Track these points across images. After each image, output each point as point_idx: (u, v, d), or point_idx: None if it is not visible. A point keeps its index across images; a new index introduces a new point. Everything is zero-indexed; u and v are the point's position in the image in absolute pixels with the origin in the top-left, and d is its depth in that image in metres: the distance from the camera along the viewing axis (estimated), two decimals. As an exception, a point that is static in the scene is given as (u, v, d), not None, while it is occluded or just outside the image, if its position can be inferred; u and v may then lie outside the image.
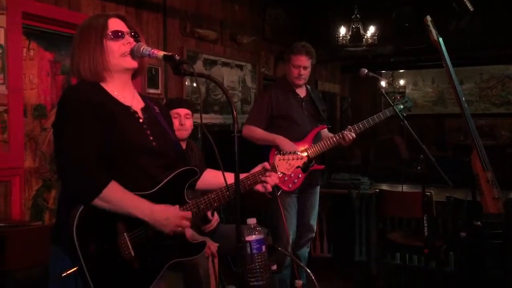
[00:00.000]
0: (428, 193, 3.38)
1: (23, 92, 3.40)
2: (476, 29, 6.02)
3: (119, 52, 1.74)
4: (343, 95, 9.42)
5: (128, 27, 1.79)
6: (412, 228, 4.37)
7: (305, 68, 3.43)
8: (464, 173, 3.19)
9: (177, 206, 1.74)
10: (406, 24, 6.25)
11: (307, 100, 3.52)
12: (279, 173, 1.95)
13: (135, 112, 1.80)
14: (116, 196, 1.61)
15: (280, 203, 3.06)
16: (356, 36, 6.04)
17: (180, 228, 1.70)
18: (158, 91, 4.50)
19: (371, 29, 6.02)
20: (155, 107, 1.92)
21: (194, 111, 3.12)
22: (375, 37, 6.00)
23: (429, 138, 8.52)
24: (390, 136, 7.10)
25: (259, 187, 1.94)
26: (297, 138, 3.31)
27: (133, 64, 1.77)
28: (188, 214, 1.74)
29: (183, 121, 2.98)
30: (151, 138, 1.79)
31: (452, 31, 5.71)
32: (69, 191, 1.65)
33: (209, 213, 2.97)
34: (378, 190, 4.11)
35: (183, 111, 2.99)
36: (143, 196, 1.69)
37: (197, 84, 1.60)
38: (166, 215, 1.67)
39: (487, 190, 3.09)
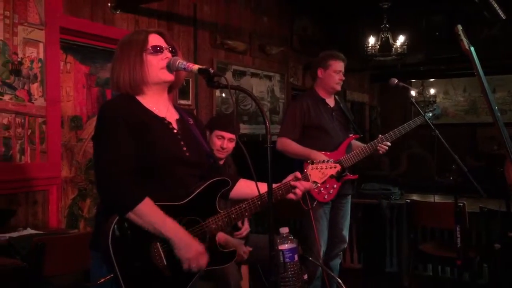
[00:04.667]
0: (461, 204, 3.32)
1: (61, 104, 3.52)
2: (509, 36, 5.92)
3: (158, 66, 1.80)
4: (372, 104, 9.37)
5: (167, 42, 1.86)
6: (445, 239, 4.30)
7: (343, 73, 3.46)
8: (498, 183, 3.13)
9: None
10: (436, 33, 6.20)
11: (336, 110, 3.52)
12: (312, 182, 1.95)
13: (169, 123, 1.85)
14: (148, 213, 1.65)
15: (312, 214, 3.06)
16: (386, 46, 6.02)
17: (195, 265, 1.69)
18: (189, 102, 4.58)
19: (401, 39, 5.99)
20: (189, 118, 1.97)
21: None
22: (405, 46, 5.96)
23: (461, 147, 8.37)
24: (424, 154, 7.03)
25: (291, 195, 1.95)
26: (329, 148, 3.30)
27: (170, 77, 1.82)
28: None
29: (226, 145, 2.99)
30: (185, 148, 1.83)
31: (484, 39, 5.63)
32: (105, 202, 1.72)
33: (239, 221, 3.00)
34: (409, 200, 4.06)
35: (228, 135, 2.99)
36: (176, 206, 1.73)
37: (232, 96, 1.61)
38: (193, 243, 1.70)
39: (521, 200, 3.02)
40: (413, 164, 6.97)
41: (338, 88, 3.49)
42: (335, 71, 3.43)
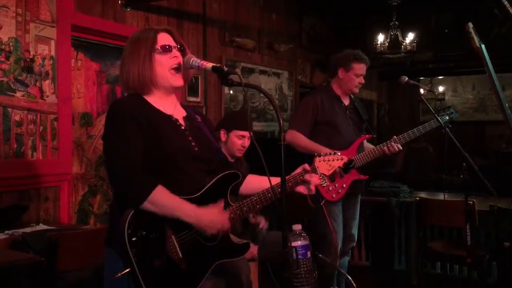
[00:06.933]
0: (471, 202, 3.32)
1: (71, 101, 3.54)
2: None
3: (167, 65, 1.82)
4: (380, 102, 9.33)
5: (175, 41, 1.87)
6: (454, 237, 4.29)
7: (364, 77, 3.42)
8: (508, 182, 3.12)
9: (221, 206, 1.81)
10: (446, 30, 6.18)
11: (351, 109, 3.48)
12: (319, 174, 1.94)
13: (177, 120, 1.87)
14: (163, 199, 1.69)
15: (326, 212, 3.05)
16: (395, 43, 6.00)
17: (223, 230, 1.78)
18: (198, 99, 4.60)
19: (410, 36, 5.97)
20: (197, 116, 1.99)
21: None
22: (414, 44, 5.94)
23: (470, 145, 8.33)
24: (425, 145, 6.97)
25: (300, 189, 1.95)
26: (340, 146, 3.24)
27: (180, 83, 1.86)
28: (227, 214, 1.82)
29: (246, 143, 3.00)
30: (193, 143, 1.85)
31: (494, 37, 5.60)
32: (120, 195, 1.75)
33: (250, 216, 3.00)
34: (418, 198, 4.06)
35: (247, 133, 2.99)
36: (188, 200, 1.75)
37: (245, 94, 1.63)
38: (211, 218, 1.75)
39: (532, 199, 3.01)
40: (412, 160, 6.88)
41: (356, 91, 3.44)
42: (356, 74, 3.36)
